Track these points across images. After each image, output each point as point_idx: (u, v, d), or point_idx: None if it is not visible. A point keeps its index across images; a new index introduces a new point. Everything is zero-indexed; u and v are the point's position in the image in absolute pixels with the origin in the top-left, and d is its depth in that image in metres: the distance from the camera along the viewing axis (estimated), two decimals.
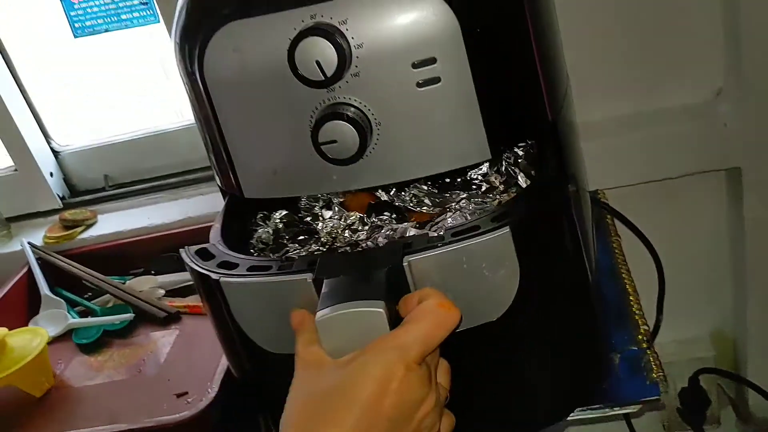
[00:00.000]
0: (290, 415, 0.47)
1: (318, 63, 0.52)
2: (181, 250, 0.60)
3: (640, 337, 0.69)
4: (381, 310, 0.47)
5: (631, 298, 0.75)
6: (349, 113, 0.54)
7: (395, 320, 0.48)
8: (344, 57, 0.52)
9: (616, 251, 0.84)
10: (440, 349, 0.50)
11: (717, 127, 0.93)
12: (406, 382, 0.45)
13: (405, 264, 0.51)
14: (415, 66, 0.53)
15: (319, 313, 0.48)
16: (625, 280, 0.78)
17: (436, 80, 0.53)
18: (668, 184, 0.98)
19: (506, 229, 0.50)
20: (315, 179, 0.58)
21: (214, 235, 0.63)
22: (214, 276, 0.56)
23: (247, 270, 0.56)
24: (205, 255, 0.59)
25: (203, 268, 0.57)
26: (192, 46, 0.58)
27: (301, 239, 0.64)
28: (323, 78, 0.52)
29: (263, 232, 0.67)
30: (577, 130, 0.75)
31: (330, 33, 0.51)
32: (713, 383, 1.11)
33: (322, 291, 0.51)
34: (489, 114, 0.55)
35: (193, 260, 0.59)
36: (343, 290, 0.49)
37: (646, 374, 0.66)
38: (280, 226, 0.67)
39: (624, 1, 0.91)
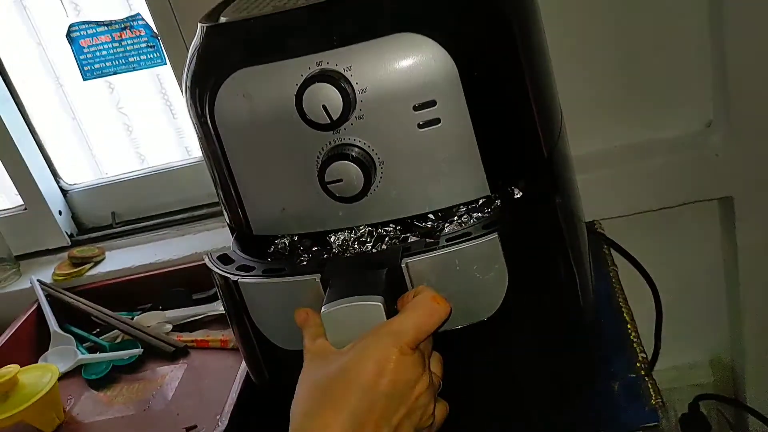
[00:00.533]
0: (298, 401, 0.51)
1: (324, 107, 0.55)
2: (204, 255, 0.66)
3: (638, 364, 0.71)
4: (379, 303, 0.52)
5: (628, 326, 0.77)
6: (353, 153, 0.56)
7: (393, 315, 0.52)
8: (349, 101, 0.55)
9: (614, 281, 0.86)
10: (435, 345, 0.55)
11: (709, 158, 0.96)
12: (401, 363, 0.49)
13: (403, 265, 0.55)
14: (416, 108, 0.56)
15: (325, 308, 0.53)
16: (623, 309, 0.80)
17: (436, 121, 0.56)
18: (664, 213, 1.00)
19: (494, 235, 0.55)
20: (322, 216, 0.61)
21: (235, 244, 0.68)
22: (233, 277, 0.61)
23: (263, 272, 0.61)
24: (225, 260, 0.65)
25: (224, 271, 0.62)
26: (203, 91, 0.61)
27: (315, 250, 0.68)
28: (329, 121, 0.55)
29: (280, 242, 0.70)
30: (572, 162, 0.78)
31: (335, 79, 0.54)
32: (713, 409, 1.13)
33: (328, 289, 0.55)
34: (487, 152, 0.57)
35: (215, 264, 0.64)
36: (347, 288, 0.54)
37: (645, 401, 0.67)
38: (296, 237, 0.70)
39: (615, 37, 0.95)
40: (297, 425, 0.50)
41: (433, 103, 0.55)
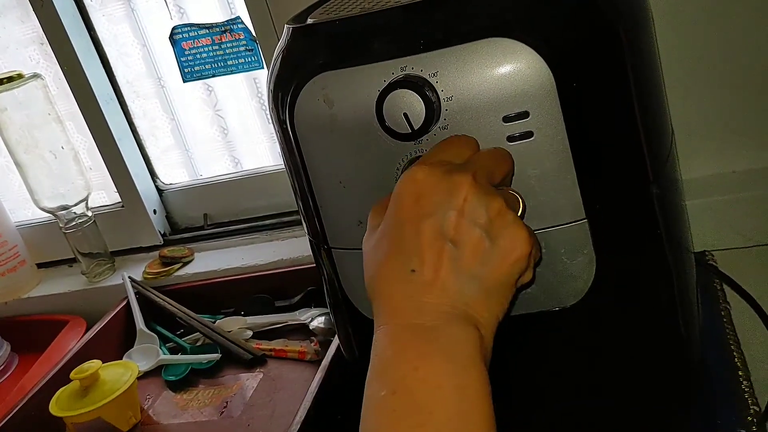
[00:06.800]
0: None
1: (405, 115, 0.51)
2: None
3: (749, 418, 0.63)
4: None
5: (740, 372, 0.69)
6: None
7: None
8: (432, 110, 0.50)
9: (725, 321, 0.77)
10: (515, 328, 0.52)
11: None
12: (427, 179, 0.47)
13: None
14: (506, 120, 0.51)
15: None
16: (734, 353, 0.71)
17: (528, 135, 0.51)
18: None
19: (584, 220, 0.52)
20: None
21: None
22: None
23: None
24: None
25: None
26: (284, 95, 0.58)
27: None
28: (410, 131, 0.51)
29: None
30: (681, 186, 0.71)
31: (419, 86, 0.50)
32: None
33: None
34: (584, 172, 0.52)
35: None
36: None
37: None
38: None
39: (739, 46, 0.85)
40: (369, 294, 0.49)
41: (525, 115, 0.50)
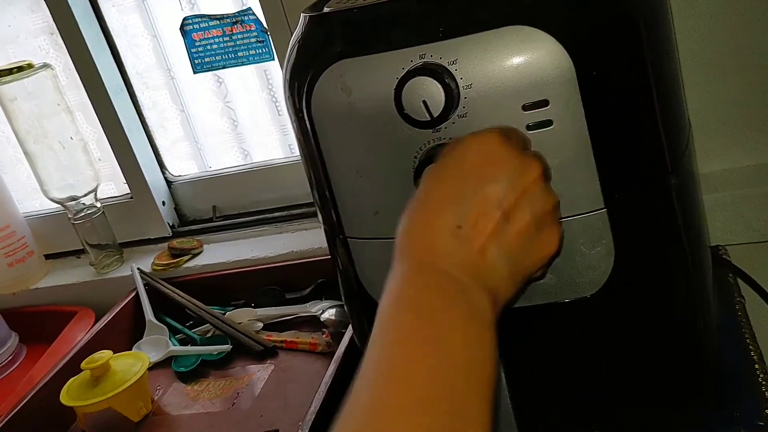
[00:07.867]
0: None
1: (425, 103, 0.51)
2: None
3: (767, 411, 0.63)
4: None
5: (756, 366, 0.69)
6: None
7: None
8: (452, 98, 0.50)
9: (740, 314, 0.77)
10: (531, 319, 0.55)
11: None
12: (504, 148, 0.47)
13: None
14: (525, 108, 0.50)
15: None
16: (750, 346, 0.71)
17: (547, 123, 0.51)
18: None
19: (603, 210, 0.52)
20: None
21: None
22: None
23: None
24: None
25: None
26: (301, 84, 0.58)
27: None
28: (429, 118, 0.51)
29: None
30: (698, 180, 0.70)
31: (438, 73, 0.50)
32: None
33: None
34: (603, 161, 0.52)
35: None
36: None
37: None
38: None
39: (752, 45, 0.85)
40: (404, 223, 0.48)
41: (545, 103, 0.50)
